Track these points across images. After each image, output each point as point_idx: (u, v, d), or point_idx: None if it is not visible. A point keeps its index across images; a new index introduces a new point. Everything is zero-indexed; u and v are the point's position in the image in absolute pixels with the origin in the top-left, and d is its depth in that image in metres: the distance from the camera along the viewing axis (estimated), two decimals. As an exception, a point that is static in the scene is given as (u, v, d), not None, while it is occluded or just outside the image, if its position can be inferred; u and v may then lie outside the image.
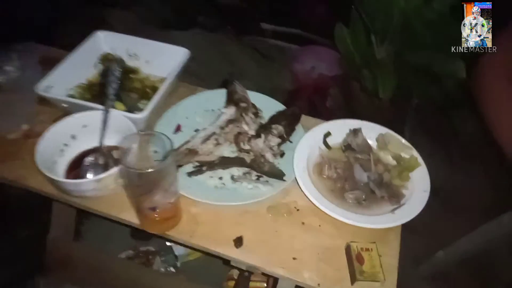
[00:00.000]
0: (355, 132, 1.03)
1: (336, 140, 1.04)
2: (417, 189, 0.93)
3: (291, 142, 1.03)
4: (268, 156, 0.98)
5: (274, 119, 1.05)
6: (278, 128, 1.01)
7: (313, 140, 1.02)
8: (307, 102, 2.12)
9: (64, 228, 1.32)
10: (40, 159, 0.84)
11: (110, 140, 0.94)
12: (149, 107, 0.96)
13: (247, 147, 0.99)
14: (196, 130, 1.06)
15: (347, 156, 1.00)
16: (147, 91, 1.13)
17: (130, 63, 1.19)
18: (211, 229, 0.87)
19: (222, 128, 1.02)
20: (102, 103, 0.95)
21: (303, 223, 0.90)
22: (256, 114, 1.10)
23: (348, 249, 0.84)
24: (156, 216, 0.80)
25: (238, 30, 2.49)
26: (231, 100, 1.06)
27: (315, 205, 0.88)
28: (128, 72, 1.17)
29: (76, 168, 0.92)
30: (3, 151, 0.97)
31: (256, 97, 1.12)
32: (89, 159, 0.92)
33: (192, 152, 0.97)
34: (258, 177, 0.96)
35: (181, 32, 2.13)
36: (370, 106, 1.92)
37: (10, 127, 1.02)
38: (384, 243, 0.87)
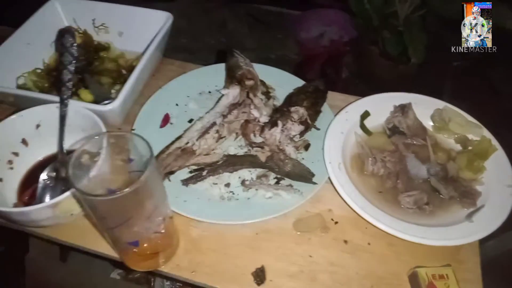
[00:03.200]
0: (403, 109, 0.77)
1: (377, 121, 0.78)
2: (497, 183, 0.68)
3: (318, 129, 0.77)
4: (289, 150, 0.73)
5: (293, 100, 0.78)
6: (299, 111, 0.75)
7: (346, 124, 0.76)
8: (318, 74, 1.84)
9: (45, 248, 1.09)
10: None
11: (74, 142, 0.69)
12: (122, 94, 0.70)
13: (259, 139, 0.74)
14: (191, 121, 0.81)
15: (395, 143, 0.75)
16: (122, 73, 0.86)
17: (99, 37, 0.92)
18: (220, 259, 0.63)
19: (224, 115, 0.76)
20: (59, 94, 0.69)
21: (345, 241, 0.65)
22: (267, 94, 0.84)
23: (414, 278, 0.60)
24: (139, 252, 0.56)
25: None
26: (233, 76, 0.80)
27: (359, 215, 0.63)
28: (97, 49, 0.90)
29: (32, 185, 0.67)
30: None
31: (264, 71, 0.85)
32: (46, 174, 0.67)
33: (187, 151, 0.71)
34: (278, 181, 0.71)
35: (165, 3, 1.86)
36: (393, 74, 1.64)
37: None
38: (459, 262, 0.63)
